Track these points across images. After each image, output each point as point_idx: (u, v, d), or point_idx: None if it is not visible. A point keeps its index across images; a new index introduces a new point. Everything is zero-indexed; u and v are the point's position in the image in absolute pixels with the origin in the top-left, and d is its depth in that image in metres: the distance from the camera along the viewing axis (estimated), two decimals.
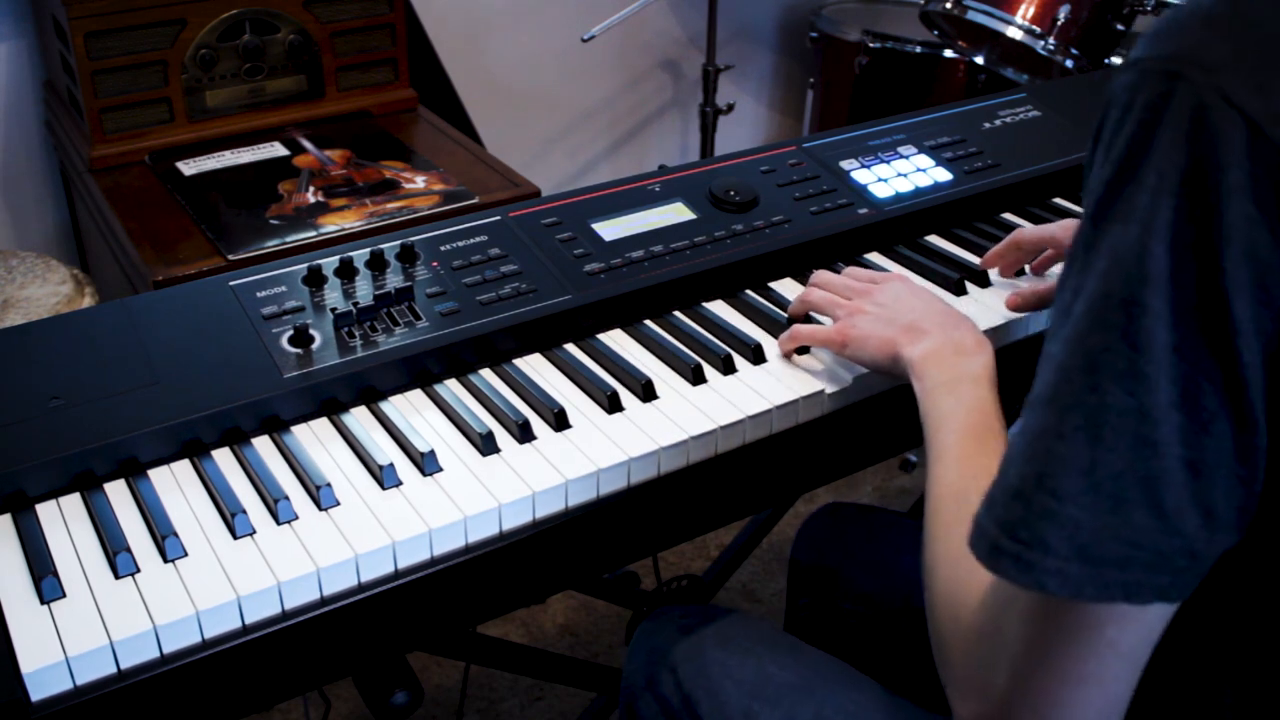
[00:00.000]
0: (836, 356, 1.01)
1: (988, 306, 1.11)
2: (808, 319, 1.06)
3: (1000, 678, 0.64)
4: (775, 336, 1.05)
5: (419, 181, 1.75)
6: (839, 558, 1.19)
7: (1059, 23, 2.07)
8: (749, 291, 1.13)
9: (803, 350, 1.03)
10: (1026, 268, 1.16)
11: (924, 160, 1.29)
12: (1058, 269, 1.16)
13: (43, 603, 0.77)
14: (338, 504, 0.85)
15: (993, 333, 1.07)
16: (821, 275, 1.07)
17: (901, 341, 0.93)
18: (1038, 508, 0.59)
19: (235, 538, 0.82)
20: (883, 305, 0.98)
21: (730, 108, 2.63)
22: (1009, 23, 2.11)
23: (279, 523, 0.83)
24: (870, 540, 1.18)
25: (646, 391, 0.97)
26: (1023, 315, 1.09)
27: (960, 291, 1.12)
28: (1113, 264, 0.58)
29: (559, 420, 0.93)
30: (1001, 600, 0.64)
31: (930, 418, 0.86)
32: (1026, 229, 1.13)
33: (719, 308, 1.11)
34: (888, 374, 0.96)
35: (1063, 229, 1.09)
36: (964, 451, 0.81)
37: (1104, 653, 0.61)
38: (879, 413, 1.02)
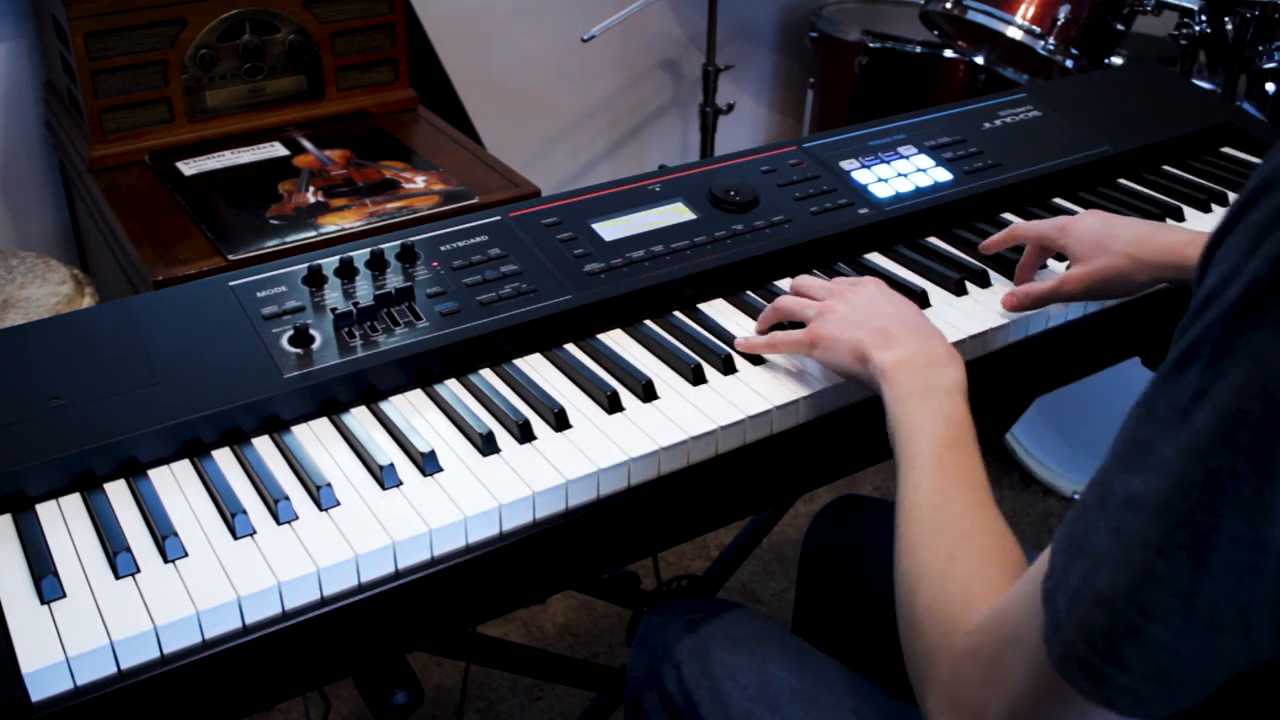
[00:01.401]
0: (789, 351, 1.01)
1: (988, 306, 1.11)
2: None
3: (993, 708, 0.64)
4: None
5: (419, 181, 1.75)
6: (849, 548, 1.19)
7: (1059, 23, 2.07)
8: (749, 291, 1.13)
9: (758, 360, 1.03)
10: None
11: (924, 160, 1.29)
12: (1056, 266, 1.16)
13: (43, 603, 0.77)
14: (338, 504, 0.85)
15: (993, 333, 1.07)
16: (797, 280, 1.06)
17: (871, 345, 0.91)
18: (1123, 622, 0.56)
19: (235, 538, 0.82)
20: (854, 307, 0.97)
21: (730, 108, 2.63)
22: (1009, 23, 2.11)
23: (279, 523, 0.83)
24: (882, 533, 1.18)
25: (647, 391, 0.97)
26: (1023, 316, 1.09)
27: (960, 291, 1.12)
28: (1253, 378, 0.52)
29: (559, 420, 0.93)
30: (1008, 635, 0.64)
31: (903, 426, 0.85)
32: (1024, 225, 1.13)
33: (719, 308, 1.11)
34: (855, 379, 0.95)
35: (1056, 229, 1.09)
36: (940, 463, 0.80)
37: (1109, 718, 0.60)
38: (879, 413, 1.01)
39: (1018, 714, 0.63)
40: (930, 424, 0.83)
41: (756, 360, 1.02)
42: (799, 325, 1.01)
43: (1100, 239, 1.05)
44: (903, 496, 0.80)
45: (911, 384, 0.87)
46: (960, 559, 0.73)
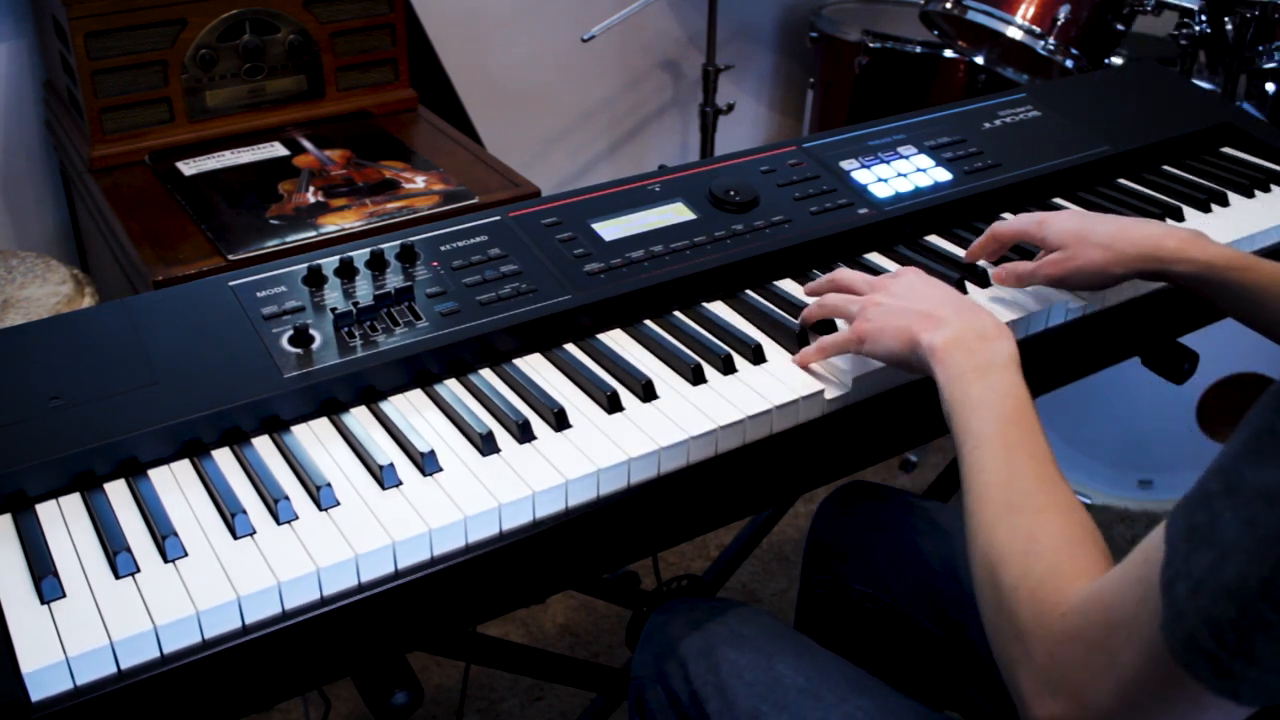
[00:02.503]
0: (838, 355, 1.01)
1: (989, 306, 1.10)
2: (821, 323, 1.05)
3: (1103, 694, 0.63)
4: (775, 337, 1.05)
5: (419, 181, 1.75)
6: (855, 538, 1.19)
7: (1059, 23, 2.07)
8: (749, 291, 1.13)
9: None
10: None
11: (924, 160, 1.29)
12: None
13: (43, 603, 0.77)
14: (338, 504, 0.85)
15: None
16: (836, 273, 1.06)
17: (919, 329, 0.91)
18: (1254, 615, 0.55)
19: (235, 538, 0.82)
20: (896, 295, 0.96)
21: (730, 108, 2.63)
22: (1009, 23, 2.11)
23: (279, 523, 0.83)
24: (888, 523, 1.18)
25: (646, 391, 0.97)
26: (1023, 316, 1.09)
27: (961, 292, 1.12)
28: None
29: (559, 420, 0.93)
30: (1115, 620, 0.63)
31: (960, 404, 0.84)
32: (1003, 223, 1.13)
33: (719, 308, 1.11)
34: (906, 365, 0.94)
35: (1035, 223, 1.09)
36: (1006, 438, 0.80)
37: (1227, 709, 0.60)
38: (879, 413, 1.02)
39: (1127, 698, 0.62)
40: (988, 400, 0.83)
41: (756, 360, 1.02)
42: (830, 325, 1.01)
43: (1079, 231, 1.06)
44: (968, 476, 0.80)
45: (964, 362, 0.86)
46: (1041, 537, 0.73)
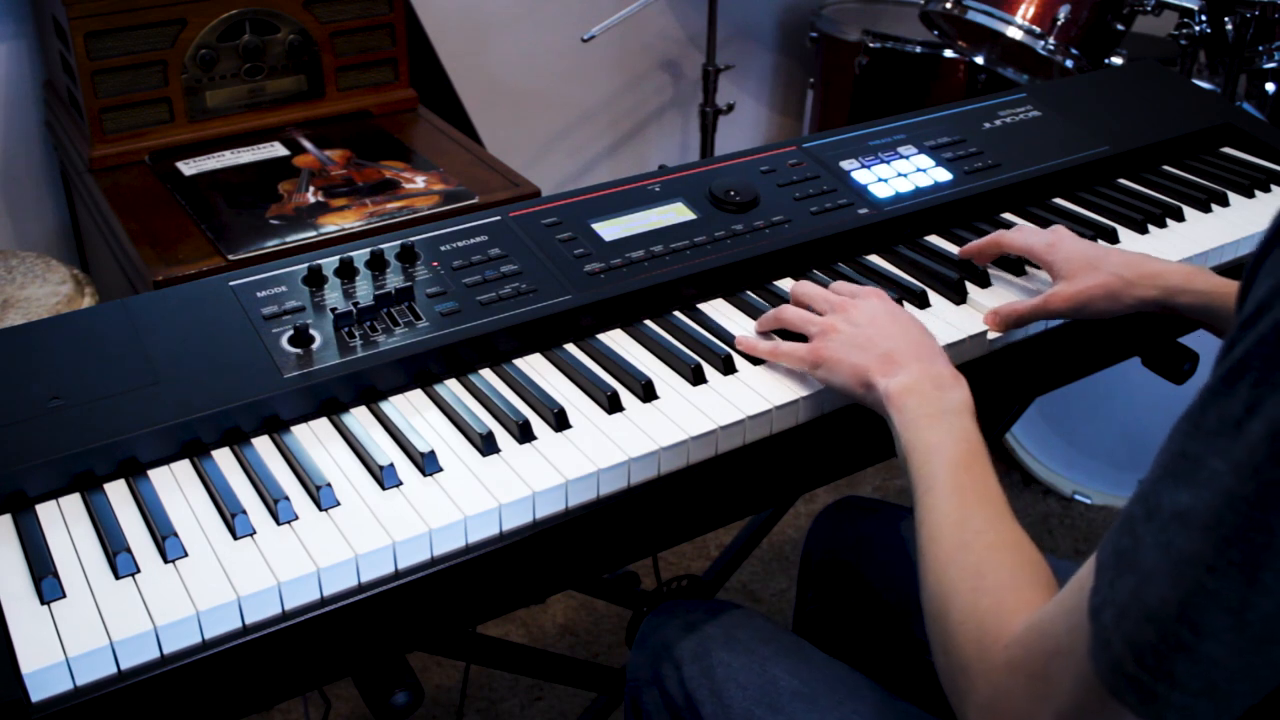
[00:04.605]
0: (789, 364, 1.00)
1: (987, 307, 1.10)
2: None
3: None
4: (775, 336, 1.05)
5: (419, 181, 1.75)
6: (850, 552, 1.19)
7: (1059, 23, 2.07)
8: (749, 291, 1.13)
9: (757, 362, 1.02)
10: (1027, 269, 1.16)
11: (924, 160, 1.29)
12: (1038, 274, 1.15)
13: (43, 603, 0.77)
14: (338, 504, 0.85)
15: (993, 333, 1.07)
16: (800, 287, 1.05)
17: (875, 371, 0.91)
18: (1173, 639, 0.56)
19: (235, 538, 0.82)
20: (857, 325, 0.96)
21: (730, 108, 2.63)
22: (1009, 23, 2.11)
23: (279, 523, 0.83)
24: (882, 536, 1.18)
25: (646, 391, 0.97)
26: None
27: (961, 292, 1.12)
28: None
29: (559, 420, 0.93)
30: (1051, 649, 0.64)
31: (915, 449, 0.85)
32: (1010, 234, 1.12)
33: (719, 308, 1.11)
34: (858, 401, 0.94)
35: (1045, 244, 1.08)
36: (957, 481, 0.81)
37: None
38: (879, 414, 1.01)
39: None
40: (942, 444, 0.84)
41: (756, 360, 1.02)
42: (800, 335, 1.01)
43: (1089, 259, 1.05)
44: (922, 518, 0.80)
45: (919, 408, 0.87)
46: (989, 573, 0.73)
